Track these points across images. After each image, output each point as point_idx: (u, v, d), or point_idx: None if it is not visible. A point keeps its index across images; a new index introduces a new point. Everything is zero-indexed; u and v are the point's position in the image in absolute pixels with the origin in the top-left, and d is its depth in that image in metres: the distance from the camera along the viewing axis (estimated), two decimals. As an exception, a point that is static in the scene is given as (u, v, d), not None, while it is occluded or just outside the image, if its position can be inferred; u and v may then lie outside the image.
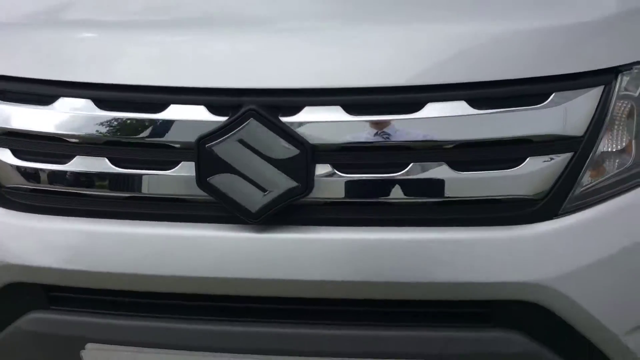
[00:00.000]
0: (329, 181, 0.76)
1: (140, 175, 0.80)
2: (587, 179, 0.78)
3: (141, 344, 0.85)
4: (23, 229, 0.85)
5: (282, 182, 0.75)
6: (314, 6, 0.84)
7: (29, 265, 0.84)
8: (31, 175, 0.84)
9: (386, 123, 0.75)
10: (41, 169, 0.82)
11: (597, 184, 0.79)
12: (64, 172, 0.82)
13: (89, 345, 0.85)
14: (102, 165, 0.80)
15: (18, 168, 0.84)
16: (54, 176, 0.83)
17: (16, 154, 0.83)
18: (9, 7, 0.91)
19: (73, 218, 0.83)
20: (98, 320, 0.87)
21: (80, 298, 0.87)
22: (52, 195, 0.84)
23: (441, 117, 0.74)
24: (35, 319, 0.87)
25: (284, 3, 0.86)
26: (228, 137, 0.75)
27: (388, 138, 0.75)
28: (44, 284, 0.85)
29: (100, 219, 0.82)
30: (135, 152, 0.80)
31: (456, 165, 0.75)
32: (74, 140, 0.80)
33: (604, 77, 0.76)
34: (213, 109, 0.77)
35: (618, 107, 0.78)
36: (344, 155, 0.76)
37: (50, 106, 0.81)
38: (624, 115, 0.79)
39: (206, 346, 0.83)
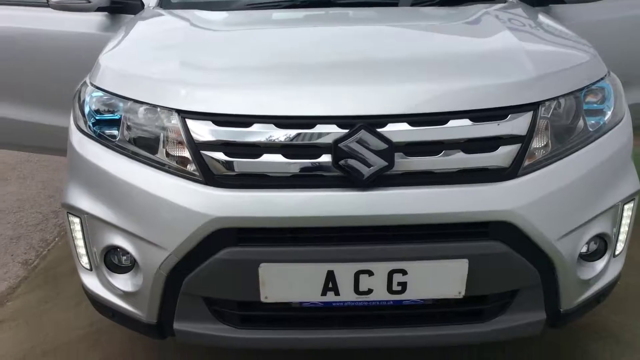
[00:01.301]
0: (402, 161, 1.44)
1: (301, 163, 1.46)
2: (527, 159, 1.52)
3: (292, 260, 1.48)
4: (227, 197, 1.45)
5: (378, 162, 1.42)
6: (395, 73, 1.58)
7: (231, 216, 1.46)
8: (234, 166, 1.48)
9: (430, 130, 1.46)
10: (243, 162, 1.48)
11: (533, 162, 1.52)
12: (257, 163, 1.47)
13: (262, 265, 1.46)
14: (279, 158, 1.46)
15: (226, 163, 1.48)
16: (250, 166, 1.47)
17: (227, 155, 1.47)
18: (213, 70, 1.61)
19: (259, 190, 1.47)
20: (267, 249, 1.48)
21: (256, 237, 1.48)
22: (246, 177, 1.48)
23: (457, 126, 1.46)
24: (229, 252, 1.47)
25: (380, 72, 1.59)
26: (350, 139, 1.43)
27: (431, 138, 1.47)
28: (237, 227, 1.46)
29: (275, 189, 1.48)
30: (299, 149, 1.45)
31: (466, 151, 1.46)
32: (263, 145, 1.46)
33: (532, 106, 1.51)
34: (341, 125, 1.44)
35: (540, 122, 1.53)
36: (410, 147, 1.45)
37: (249, 128, 1.47)
38: (543, 127, 1.54)
39: (328, 259, 1.48)
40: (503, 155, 1.48)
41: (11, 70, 2.79)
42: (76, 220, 1.70)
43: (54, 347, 2.14)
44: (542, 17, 2.17)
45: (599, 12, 2.62)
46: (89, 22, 2.69)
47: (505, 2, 2.35)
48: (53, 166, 4.25)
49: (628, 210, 1.73)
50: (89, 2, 2.52)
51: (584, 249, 1.64)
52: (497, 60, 1.65)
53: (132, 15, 2.54)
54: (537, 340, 1.79)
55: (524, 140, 1.50)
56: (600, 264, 1.69)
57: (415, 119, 1.46)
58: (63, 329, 2.24)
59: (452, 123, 1.47)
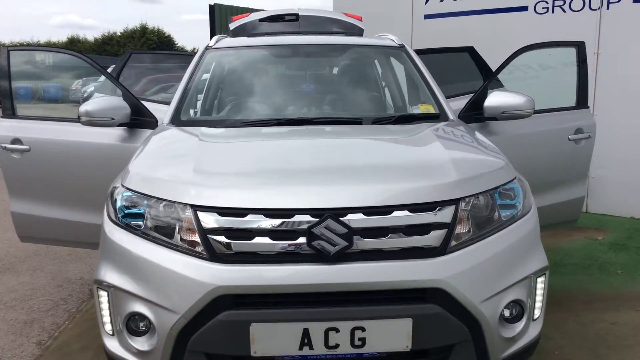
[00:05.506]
0: (360, 242, 1.93)
1: (283, 244, 1.95)
2: (453, 240, 2.02)
3: (277, 320, 1.92)
4: (227, 270, 1.92)
5: (341, 243, 1.91)
6: (354, 176, 2.11)
7: (229, 285, 1.91)
8: (232, 246, 1.96)
9: (379, 219, 1.97)
10: (239, 244, 1.96)
11: (458, 242, 2.02)
12: (250, 244, 1.95)
13: (253, 324, 1.88)
14: (267, 240, 1.95)
15: (227, 244, 1.96)
16: (244, 246, 1.95)
17: (227, 238, 1.96)
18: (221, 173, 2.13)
19: (252, 264, 1.95)
20: (257, 311, 1.91)
21: (249, 302, 1.93)
22: (241, 254, 1.95)
23: (399, 216, 1.97)
24: (227, 314, 1.90)
25: (342, 176, 2.13)
26: (320, 225, 1.93)
27: (380, 224, 1.97)
28: (234, 294, 1.91)
29: (264, 264, 1.95)
30: (281, 233, 1.94)
31: (407, 234, 1.96)
32: (255, 230, 1.96)
33: (455, 201, 2.03)
34: (313, 215, 1.94)
35: (462, 213, 2.05)
36: (365, 231, 1.94)
37: (245, 218, 1.97)
38: (464, 217, 2.06)
39: (304, 318, 1.91)
40: (434, 238, 1.98)
41: (48, 173, 3.32)
42: (104, 293, 2.14)
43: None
44: (472, 133, 2.78)
45: (525, 126, 3.26)
46: (112, 135, 3.27)
47: (446, 120, 2.97)
48: (61, 259, 4.66)
49: (541, 283, 2.21)
50: (112, 119, 3.09)
51: (506, 313, 2.09)
52: (429, 168, 2.20)
53: (148, 130, 3.13)
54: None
55: (449, 226, 2.00)
56: (519, 326, 2.13)
57: (368, 211, 1.97)
58: (77, 396, 2.57)
59: (396, 213, 1.98)
